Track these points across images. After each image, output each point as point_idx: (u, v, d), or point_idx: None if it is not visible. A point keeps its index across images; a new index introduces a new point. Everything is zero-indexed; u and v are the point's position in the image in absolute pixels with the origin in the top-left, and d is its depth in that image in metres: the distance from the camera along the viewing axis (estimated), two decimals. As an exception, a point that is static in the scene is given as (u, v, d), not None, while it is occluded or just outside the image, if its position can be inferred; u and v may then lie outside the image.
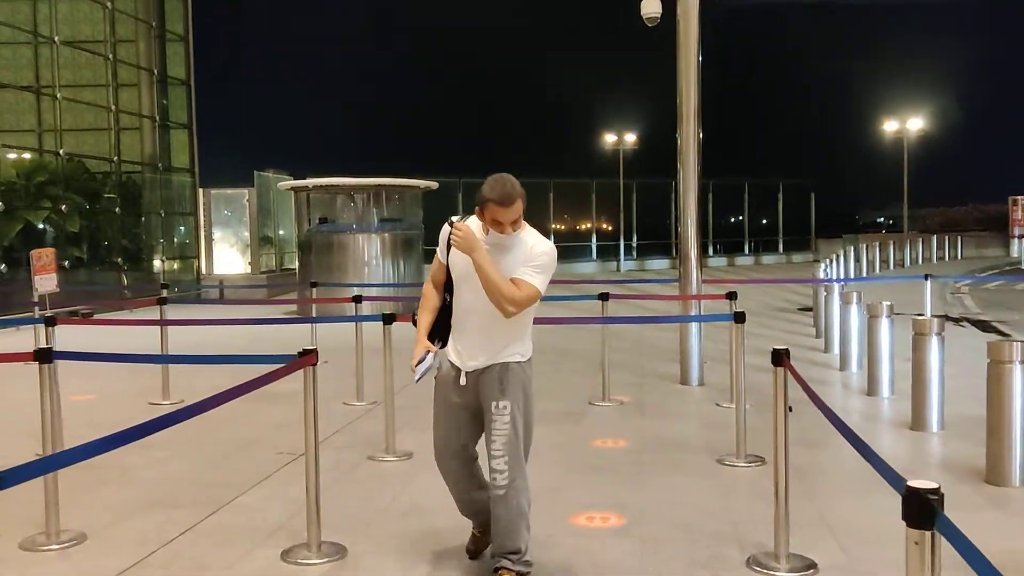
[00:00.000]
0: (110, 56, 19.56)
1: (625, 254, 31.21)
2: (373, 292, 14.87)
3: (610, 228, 32.36)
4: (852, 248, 22.73)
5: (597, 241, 31.34)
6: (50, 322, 6.15)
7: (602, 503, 4.96)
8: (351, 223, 16.22)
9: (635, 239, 31.83)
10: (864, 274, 23.73)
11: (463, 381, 3.71)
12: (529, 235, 3.61)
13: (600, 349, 7.98)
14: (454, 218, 3.70)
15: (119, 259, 19.50)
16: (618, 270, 30.21)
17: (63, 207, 17.65)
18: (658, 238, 32.69)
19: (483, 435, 3.78)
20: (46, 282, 7.59)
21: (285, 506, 4.94)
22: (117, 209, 19.64)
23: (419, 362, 3.66)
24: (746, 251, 34.33)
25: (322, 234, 16.05)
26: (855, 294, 9.42)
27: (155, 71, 21.12)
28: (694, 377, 8.58)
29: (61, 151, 17.84)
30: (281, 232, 23.49)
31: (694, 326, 8.50)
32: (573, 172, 38.79)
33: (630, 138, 32.15)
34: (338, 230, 15.96)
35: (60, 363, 8.50)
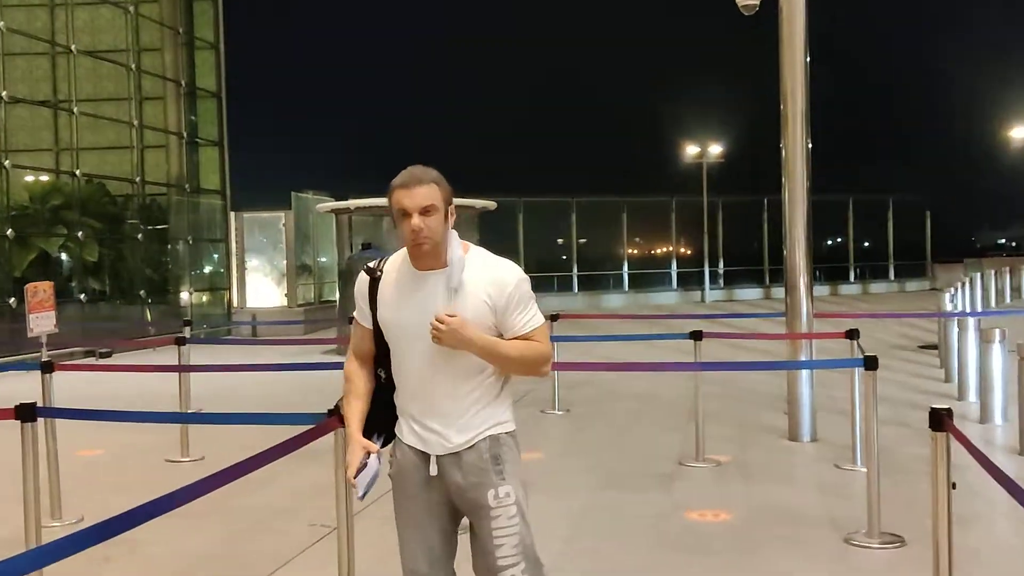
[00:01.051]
0: (133, 66, 19.74)
1: (711, 281, 30.55)
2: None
3: (690, 252, 31.78)
4: (978, 275, 21.80)
5: (678, 268, 30.75)
6: (47, 368, 5.90)
7: (705, 596, 4.48)
8: (398, 248, 15.95)
9: (722, 265, 31.16)
10: (993, 305, 22.75)
11: (434, 470, 2.97)
12: (480, 258, 2.99)
13: (691, 396, 7.51)
14: (371, 263, 3.09)
15: (142, 292, 19.57)
16: (703, 300, 29.57)
17: (79, 234, 17.74)
18: (747, 264, 31.99)
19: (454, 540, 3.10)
20: (43, 321, 7.39)
21: (317, 594, 4.57)
22: (140, 236, 19.75)
23: (359, 471, 2.93)
24: (851, 278, 33.39)
25: (364, 261, 15.80)
26: (997, 331, 8.80)
27: (183, 82, 21.29)
28: (805, 432, 8.05)
29: (78, 171, 17.95)
30: (323, 260, 23.45)
31: (805, 371, 7.97)
32: (649, 189, 38.26)
33: (715, 150, 31.57)
34: (383, 256, 15.71)
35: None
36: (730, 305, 28.16)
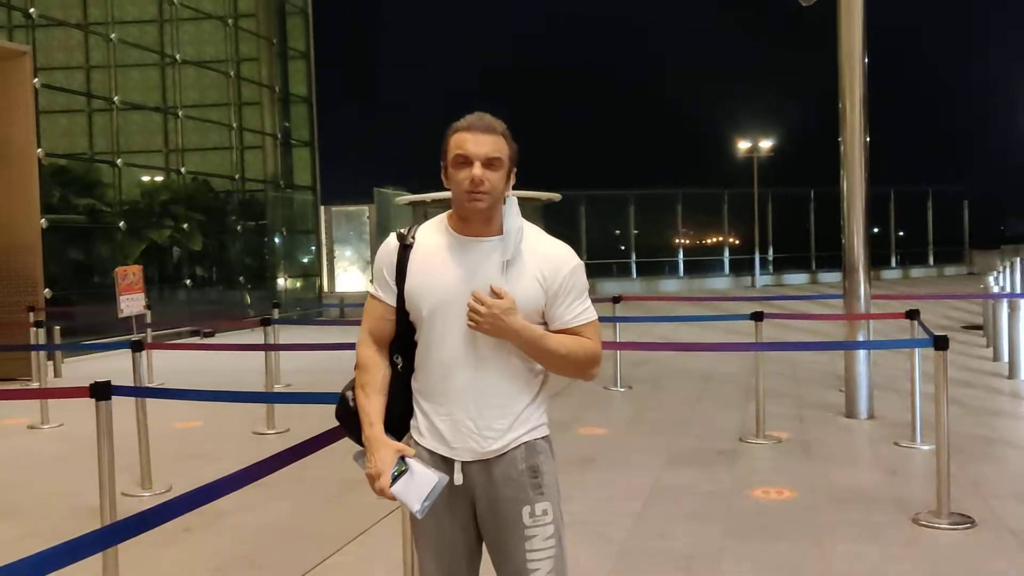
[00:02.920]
0: (232, 74, 19.64)
1: (761, 268, 29.70)
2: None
3: (738, 242, 30.95)
4: (1018, 260, 20.68)
5: (730, 255, 29.98)
6: (137, 347, 5.60)
7: (776, 578, 3.98)
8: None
9: (771, 252, 30.29)
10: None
11: (459, 479, 2.30)
12: (534, 232, 2.34)
13: (749, 375, 6.97)
14: (401, 229, 2.41)
15: (241, 278, 19.49)
16: (753, 285, 28.74)
17: (185, 226, 17.70)
18: (794, 251, 31.10)
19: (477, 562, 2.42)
20: (133, 303, 7.12)
21: (385, 570, 4.17)
22: (239, 227, 19.67)
23: (394, 479, 2.23)
24: (893, 264, 32.23)
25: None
26: (1052, 312, 8.09)
27: (276, 88, 21.13)
28: (862, 409, 7.45)
29: (183, 169, 17.92)
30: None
31: (862, 350, 7.38)
32: (702, 182, 37.38)
33: (765, 144, 30.63)
34: (412, 224, 15.35)
35: (168, 386, 8.09)
36: (779, 289, 27.32)
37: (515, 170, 2.33)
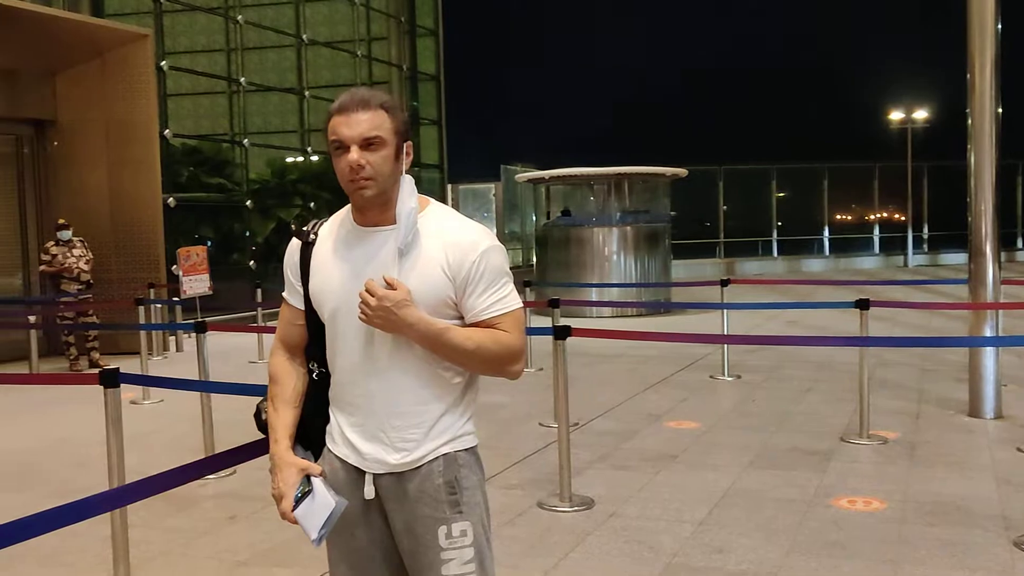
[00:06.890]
0: (359, 54, 19.92)
1: (914, 246, 27.93)
2: (614, 293, 14.06)
3: (900, 217, 29.17)
4: None
5: (880, 233, 28.32)
6: (200, 328, 5.60)
7: (832, 606, 3.54)
8: (591, 216, 15.31)
9: (926, 230, 28.44)
10: None
11: (369, 492, 2.08)
12: (440, 215, 2.10)
13: (870, 364, 6.36)
14: (305, 226, 2.20)
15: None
16: (905, 265, 27.09)
17: (312, 204, 18.10)
18: (954, 229, 29.08)
19: None
20: (197, 284, 7.17)
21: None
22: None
23: (298, 500, 2.05)
24: (1020, 244, 29.69)
25: (558, 228, 15.25)
26: None
27: (404, 67, 21.30)
28: (988, 407, 6.73)
29: (309, 148, 18.32)
30: (530, 227, 23.17)
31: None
32: (851, 155, 35.46)
33: (920, 114, 28.71)
34: (575, 223, 15.11)
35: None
36: (932, 270, 25.65)
37: (409, 143, 2.09)
